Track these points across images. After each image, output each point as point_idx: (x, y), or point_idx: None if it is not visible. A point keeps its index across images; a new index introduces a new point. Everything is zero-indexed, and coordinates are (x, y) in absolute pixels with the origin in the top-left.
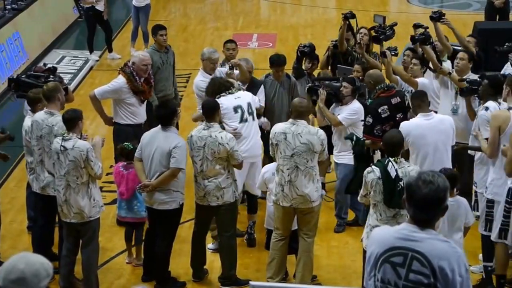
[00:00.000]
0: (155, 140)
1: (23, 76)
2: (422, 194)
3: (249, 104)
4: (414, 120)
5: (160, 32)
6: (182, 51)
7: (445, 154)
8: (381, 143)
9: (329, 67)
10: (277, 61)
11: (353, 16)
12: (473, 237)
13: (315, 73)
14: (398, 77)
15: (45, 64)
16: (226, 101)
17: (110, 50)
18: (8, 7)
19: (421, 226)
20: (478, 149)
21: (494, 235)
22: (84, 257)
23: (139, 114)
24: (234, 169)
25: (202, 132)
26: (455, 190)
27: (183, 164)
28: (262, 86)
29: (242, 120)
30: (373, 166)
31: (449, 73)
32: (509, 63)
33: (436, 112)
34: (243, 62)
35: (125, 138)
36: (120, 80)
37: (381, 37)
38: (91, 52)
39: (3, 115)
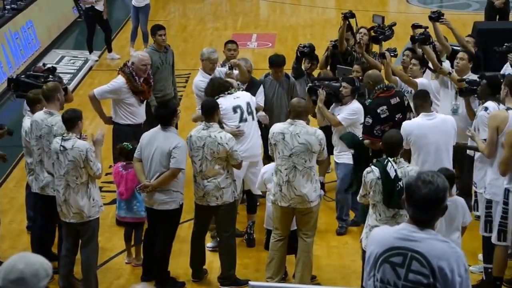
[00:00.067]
0: (155, 141)
1: (23, 76)
2: (422, 194)
3: (248, 104)
4: (416, 120)
5: (159, 32)
6: (181, 51)
7: (446, 154)
8: (380, 143)
9: (328, 67)
10: (276, 61)
11: (352, 15)
12: (472, 237)
13: (315, 73)
14: (397, 78)
15: (44, 64)
16: (225, 102)
17: (110, 50)
18: (8, 7)
19: (420, 226)
20: (477, 149)
21: (494, 237)
22: (84, 257)
23: (139, 114)
24: (234, 169)
25: (202, 132)
26: (453, 190)
27: (183, 165)
28: (261, 86)
29: (242, 120)
30: (373, 166)
31: (449, 73)
32: (508, 63)
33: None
34: (242, 62)
35: (125, 138)
36: (119, 80)
37: (380, 37)
38: (90, 52)
39: (3, 115)
